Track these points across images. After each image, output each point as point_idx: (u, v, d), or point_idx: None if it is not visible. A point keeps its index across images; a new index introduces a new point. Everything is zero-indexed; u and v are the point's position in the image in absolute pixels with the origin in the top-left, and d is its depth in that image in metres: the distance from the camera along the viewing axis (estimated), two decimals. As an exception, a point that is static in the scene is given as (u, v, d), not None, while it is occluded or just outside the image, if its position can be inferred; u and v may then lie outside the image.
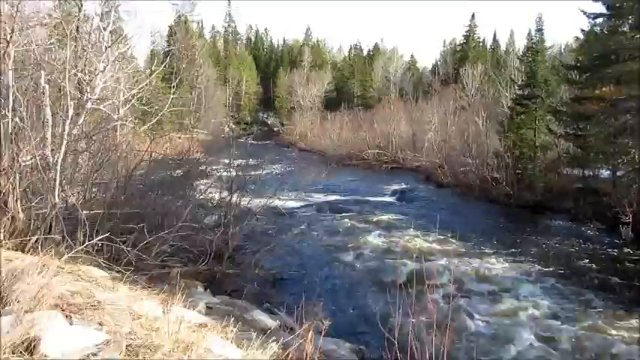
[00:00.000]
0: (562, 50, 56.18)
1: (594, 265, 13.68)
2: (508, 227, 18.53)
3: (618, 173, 19.99)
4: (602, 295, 11.30)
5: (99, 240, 6.01)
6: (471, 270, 12.80)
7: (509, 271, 12.91)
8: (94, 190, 9.13)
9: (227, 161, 14.19)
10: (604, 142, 19.65)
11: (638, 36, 17.19)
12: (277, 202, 13.76)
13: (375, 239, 15.74)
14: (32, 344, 2.82)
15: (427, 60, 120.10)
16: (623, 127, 18.14)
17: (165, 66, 15.06)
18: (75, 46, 12.19)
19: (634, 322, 9.69)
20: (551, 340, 8.83)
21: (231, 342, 4.06)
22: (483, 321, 9.59)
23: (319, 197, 23.55)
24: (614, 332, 9.22)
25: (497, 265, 13.31)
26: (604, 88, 18.43)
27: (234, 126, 68.10)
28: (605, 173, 21.45)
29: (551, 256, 14.46)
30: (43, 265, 4.08)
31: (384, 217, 19.64)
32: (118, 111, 13.62)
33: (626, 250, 15.11)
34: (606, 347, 8.64)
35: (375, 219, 19.23)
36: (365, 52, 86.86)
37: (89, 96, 10.59)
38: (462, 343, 8.24)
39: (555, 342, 8.77)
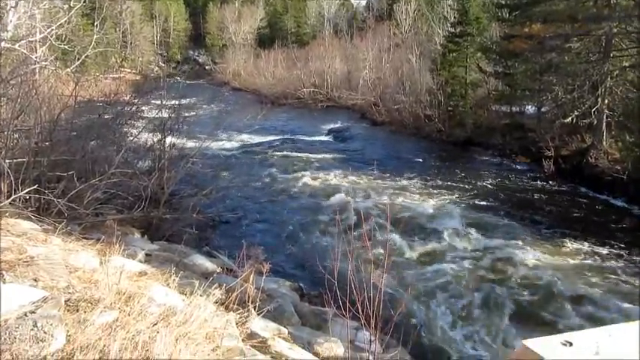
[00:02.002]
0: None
1: (521, 197, 14.57)
2: (441, 163, 19.17)
3: (543, 109, 20.92)
4: (528, 223, 12.11)
5: (26, 192, 5.72)
6: (406, 206, 13.23)
7: (442, 205, 13.45)
8: (15, 137, 8.61)
9: (158, 102, 13.67)
10: (530, 79, 20.39)
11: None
12: (213, 145, 13.54)
13: (312, 179, 15.89)
14: (-37, 306, 2.71)
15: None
16: (549, 64, 18.81)
17: (84, 1, 14.04)
18: (-19, -21, 11.11)
19: (556, 244, 10.59)
20: (483, 269, 9.39)
21: (174, 289, 4.06)
22: (419, 257, 10.03)
23: (255, 138, 23.34)
24: (541, 254, 10.05)
25: (431, 201, 13.83)
26: (532, 26, 18.89)
27: (163, 65, 65.34)
28: (530, 110, 22.36)
29: (482, 190, 15.19)
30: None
31: (321, 157, 19.79)
32: (36, 50, 12.69)
33: (549, 182, 16.08)
34: (534, 269, 9.34)
35: (312, 159, 19.35)
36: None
37: (1, 35, 9.80)
38: (398, 280, 8.60)
39: (488, 270, 9.34)
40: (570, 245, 10.58)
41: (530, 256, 9.95)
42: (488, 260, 9.78)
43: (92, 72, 25.47)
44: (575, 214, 13.06)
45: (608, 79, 16.61)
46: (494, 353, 6.73)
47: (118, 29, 54.41)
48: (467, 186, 15.61)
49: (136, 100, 13.17)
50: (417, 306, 7.89)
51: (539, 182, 16.15)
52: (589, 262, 9.84)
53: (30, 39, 12.12)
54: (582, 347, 2.04)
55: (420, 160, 19.83)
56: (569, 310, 7.96)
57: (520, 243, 10.64)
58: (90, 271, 3.93)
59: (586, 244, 10.64)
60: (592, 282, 8.86)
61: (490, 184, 16.03)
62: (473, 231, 11.36)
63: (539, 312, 7.95)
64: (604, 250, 10.32)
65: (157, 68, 59.45)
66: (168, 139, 11.97)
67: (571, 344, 2.02)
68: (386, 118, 27.99)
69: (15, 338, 2.52)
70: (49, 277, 3.46)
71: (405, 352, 5.31)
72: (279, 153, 20.56)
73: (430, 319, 7.63)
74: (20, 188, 5.87)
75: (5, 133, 8.03)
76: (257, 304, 4.41)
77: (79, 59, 11.39)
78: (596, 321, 7.42)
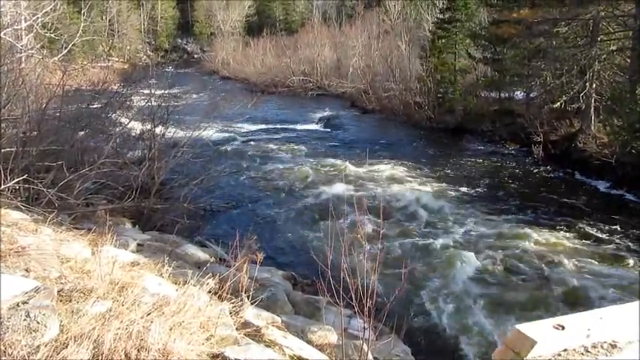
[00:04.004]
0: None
1: (510, 182, 14.68)
2: (431, 150, 19.22)
3: (531, 95, 20.99)
4: (518, 208, 12.25)
5: (16, 182, 5.67)
6: (398, 193, 13.26)
7: (433, 191, 13.48)
8: (3, 126, 8.53)
9: (147, 92, 13.56)
10: (519, 64, 20.42)
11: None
12: (203, 134, 13.46)
13: (303, 168, 15.83)
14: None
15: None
16: (537, 49, 18.87)
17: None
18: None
19: (547, 228, 10.68)
20: (475, 254, 9.44)
21: (167, 279, 4.06)
22: (411, 243, 10.06)
23: (246, 127, 23.23)
24: (532, 237, 10.18)
25: (422, 187, 13.85)
26: (520, 11, 18.87)
27: (151, 53, 64.64)
28: (519, 95, 22.42)
29: (472, 176, 15.27)
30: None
31: (312, 146, 19.76)
32: (22, 39, 12.55)
33: (538, 167, 16.19)
34: (525, 253, 9.46)
35: (302, 147, 19.31)
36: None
37: (-14, 24, 9.66)
38: (391, 267, 8.62)
39: (479, 256, 9.38)
40: (560, 229, 10.68)
41: (521, 240, 10.03)
42: (479, 246, 9.86)
43: (79, 61, 25.16)
44: (564, 198, 13.15)
45: (596, 63, 16.65)
46: (487, 338, 6.80)
47: (104, 17, 53.72)
48: (457, 172, 15.68)
49: (124, 90, 13.07)
50: (410, 293, 7.94)
51: (528, 167, 16.26)
52: (578, 244, 9.96)
53: (15, 27, 11.97)
54: (574, 330, 2.07)
55: (411, 147, 19.85)
56: (557, 293, 8.05)
57: (511, 228, 10.72)
58: (82, 261, 3.91)
59: (575, 227, 10.76)
60: (579, 265, 8.97)
61: (480, 170, 16.10)
62: (464, 217, 11.43)
63: (530, 296, 8.03)
64: (591, 233, 10.46)
65: (145, 57, 58.86)
66: (158, 129, 11.90)
67: (563, 328, 2.05)
68: (376, 106, 27.92)
69: (8, 328, 2.51)
70: (41, 267, 3.44)
71: (398, 339, 5.35)
72: (269, 142, 20.49)
73: (423, 306, 7.69)
74: (9, 178, 5.82)
75: (-8, 123, 7.95)
76: (250, 293, 4.42)
77: (65, 48, 11.27)
78: (584, 304, 7.52)
